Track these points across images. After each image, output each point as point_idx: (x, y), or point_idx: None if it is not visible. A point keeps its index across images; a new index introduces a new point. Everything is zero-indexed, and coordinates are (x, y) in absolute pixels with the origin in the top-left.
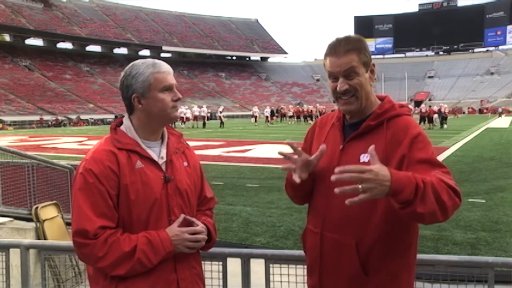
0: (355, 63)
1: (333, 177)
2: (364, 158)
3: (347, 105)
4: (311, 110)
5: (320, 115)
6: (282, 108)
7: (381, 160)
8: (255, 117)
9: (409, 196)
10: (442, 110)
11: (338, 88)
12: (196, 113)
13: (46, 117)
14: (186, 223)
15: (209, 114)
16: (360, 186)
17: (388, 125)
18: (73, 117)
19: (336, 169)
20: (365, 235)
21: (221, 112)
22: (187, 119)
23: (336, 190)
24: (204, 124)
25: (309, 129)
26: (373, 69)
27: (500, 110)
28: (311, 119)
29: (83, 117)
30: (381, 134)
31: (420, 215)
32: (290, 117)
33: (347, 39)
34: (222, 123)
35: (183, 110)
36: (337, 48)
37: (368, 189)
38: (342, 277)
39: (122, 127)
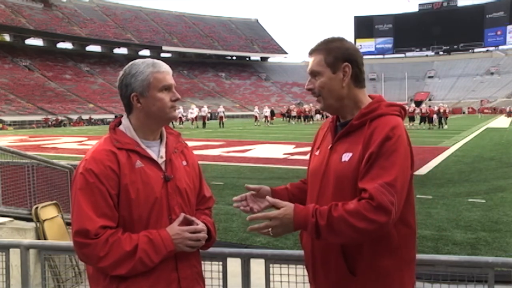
0: (316, 64)
1: (248, 228)
2: (345, 157)
3: (317, 103)
4: (308, 110)
5: (317, 113)
6: (289, 109)
7: (358, 163)
8: (256, 117)
9: (311, 232)
10: (442, 110)
11: (305, 86)
12: (192, 115)
13: (48, 117)
14: (186, 222)
15: (209, 114)
16: (271, 234)
17: (370, 125)
18: (73, 117)
19: (247, 218)
20: None
21: (223, 112)
22: (196, 118)
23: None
24: (204, 124)
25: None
26: (347, 71)
27: (508, 109)
28: (311, 119)
29: (83, 117)
30: (363, 134)
31: (339, 243)
32: (293, 117)
33: (323, 40)
34: (222, 123)
35: (181, 111)
36: (311, 49)
37: (276, 233)
38: (332, 274)
39: (121, 127)
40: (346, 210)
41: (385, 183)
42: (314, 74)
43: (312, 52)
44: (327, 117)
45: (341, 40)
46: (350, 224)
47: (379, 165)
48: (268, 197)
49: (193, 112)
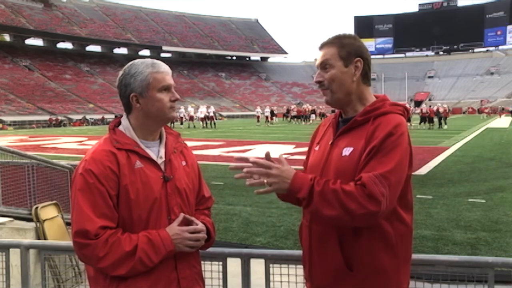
0: (329, 56)
1: (244, 170)
2: (345, 151)
3: (324, 97)
4: (303, 110)
5: (312, 113)
6: (292, 109)
7: (359, 158)
8: (258, 117)
9: (304, 194)
10: (441, 110)
11: (314, 79)
12: (201, 115)
13: (46, 117)
14: (186, 222)
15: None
16: (265, 181)
17: (374, 122)
18: (73, 117)
19: (250, 159)
20: (347, 229)
21: (214, 113)
22: (205, 118)
23: (247, 183)
24: (204, 123)
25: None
26: (359, 66)
27: (499, 109)
28: (307, 119)
29: (86, 117)
30: (366, 130)
31: (326, 217)
32: (293, 117)
33: (336, 35)
34: (212, 123)
35: (182, 111)
36: (323, 42)
37: (272, 183)
38: (328, 270)
39: (120, 127)
40: (342, 188)
41: (379, 174)
42: (325, 66)
43: (323, 46)
44: (322, 116)
45: (354, 37)
46: (341, 200)
47: (378, 158)
48: (281, 155)
49: (203, 111)
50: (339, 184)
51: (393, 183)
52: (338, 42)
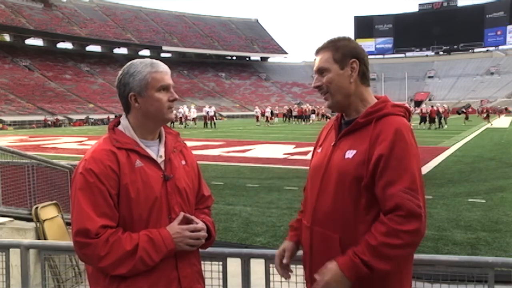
0: (324, 61)
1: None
2: (348, 154)
3: (325, 101)
4: (304, 109)
5: (312, 113)
6: (289, 109)
7: (362, 161)
8: (257, 117)
9: (363, 272)
10: (441, 110)
11: (312, 85)
12: (186, 114)
13: (47, 117)
14: (186, 221)
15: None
16: None
17: (376, 124)
18: (73, 117)
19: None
20: (348, 231)
21: (214, 113)
22: (205, 118)
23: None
24: (205, 123)
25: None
26: (355, 67)
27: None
28: (307, 119)
29: (83, 117)
30: (368, 132)
31: (390, 268)
32: (293, 117)
33: (330, 39)
34: (212, 123)
35: (181, 111)
36: (318, 48)
37: None
38: None
39: (120, 127)
40: (382, 233)
41: (406, 188)
42: (321, 71)
43: (319, 51)
44: (323, 116)
45: (348, 39)
46: (384, 253)
47: (393, 169)
48: (316, 275)
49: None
50: (375, 232)
51: (420, 189)
52: (332, 45)
